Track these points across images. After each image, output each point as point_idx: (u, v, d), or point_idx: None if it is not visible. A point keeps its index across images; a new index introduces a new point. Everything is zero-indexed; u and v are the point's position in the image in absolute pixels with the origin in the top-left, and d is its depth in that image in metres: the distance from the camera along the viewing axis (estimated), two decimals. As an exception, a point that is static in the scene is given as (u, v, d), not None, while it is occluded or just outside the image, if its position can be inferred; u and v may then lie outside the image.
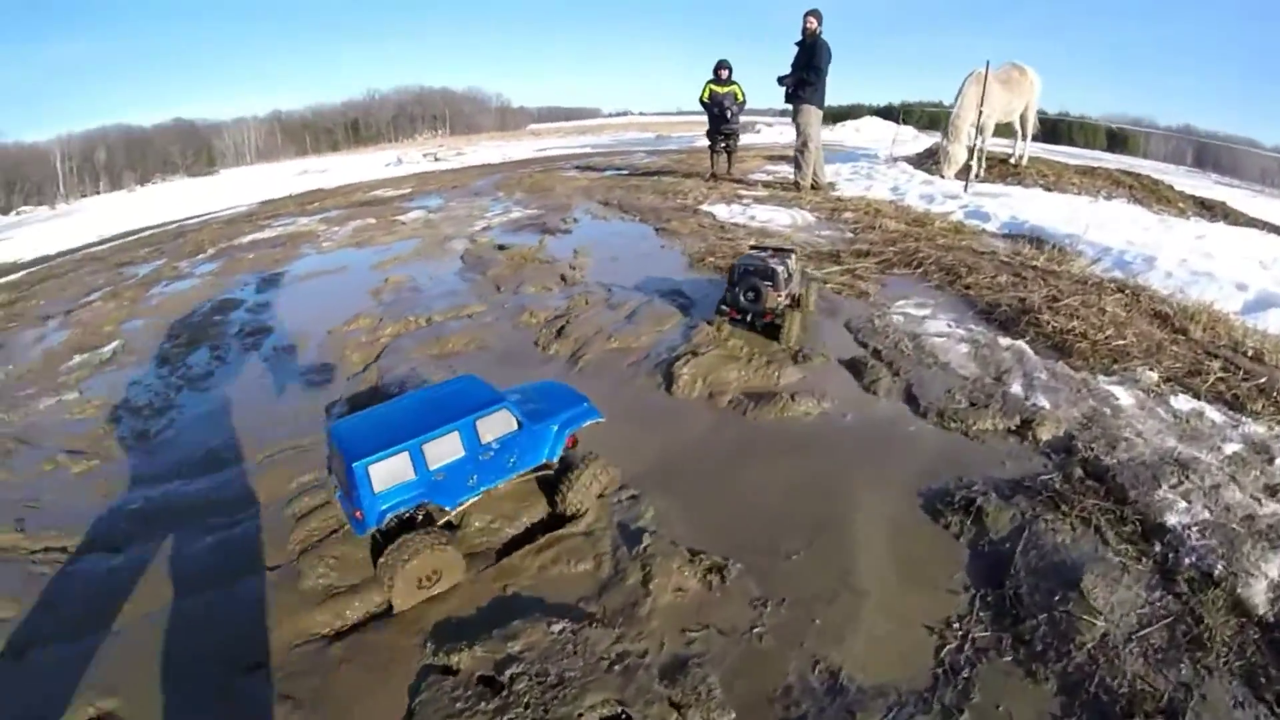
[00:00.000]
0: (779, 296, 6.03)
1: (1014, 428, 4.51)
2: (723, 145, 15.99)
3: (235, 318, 8.34)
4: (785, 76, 13.98)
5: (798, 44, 13.60)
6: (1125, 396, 4.70)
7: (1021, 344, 5.57)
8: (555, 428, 3.91)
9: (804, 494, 4.08)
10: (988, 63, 13.73)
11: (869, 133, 31.13)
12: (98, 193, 52.97)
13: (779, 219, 11.28)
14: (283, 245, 12.43)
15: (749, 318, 6.15)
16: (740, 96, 15.47)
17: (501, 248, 10.10)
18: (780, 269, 6.08)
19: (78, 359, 7.65)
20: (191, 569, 3.97)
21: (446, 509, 3.56)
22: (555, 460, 3.93)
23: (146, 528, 4.43)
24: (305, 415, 5.62)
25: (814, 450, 4.51)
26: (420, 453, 3.37)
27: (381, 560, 3.34)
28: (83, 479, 5.18)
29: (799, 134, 14.07)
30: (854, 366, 5.58)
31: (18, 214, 43.56)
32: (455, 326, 7.06)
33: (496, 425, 3.61)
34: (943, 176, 14.11)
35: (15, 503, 5.03)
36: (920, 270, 7.82)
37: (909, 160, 17.04)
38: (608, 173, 18.95)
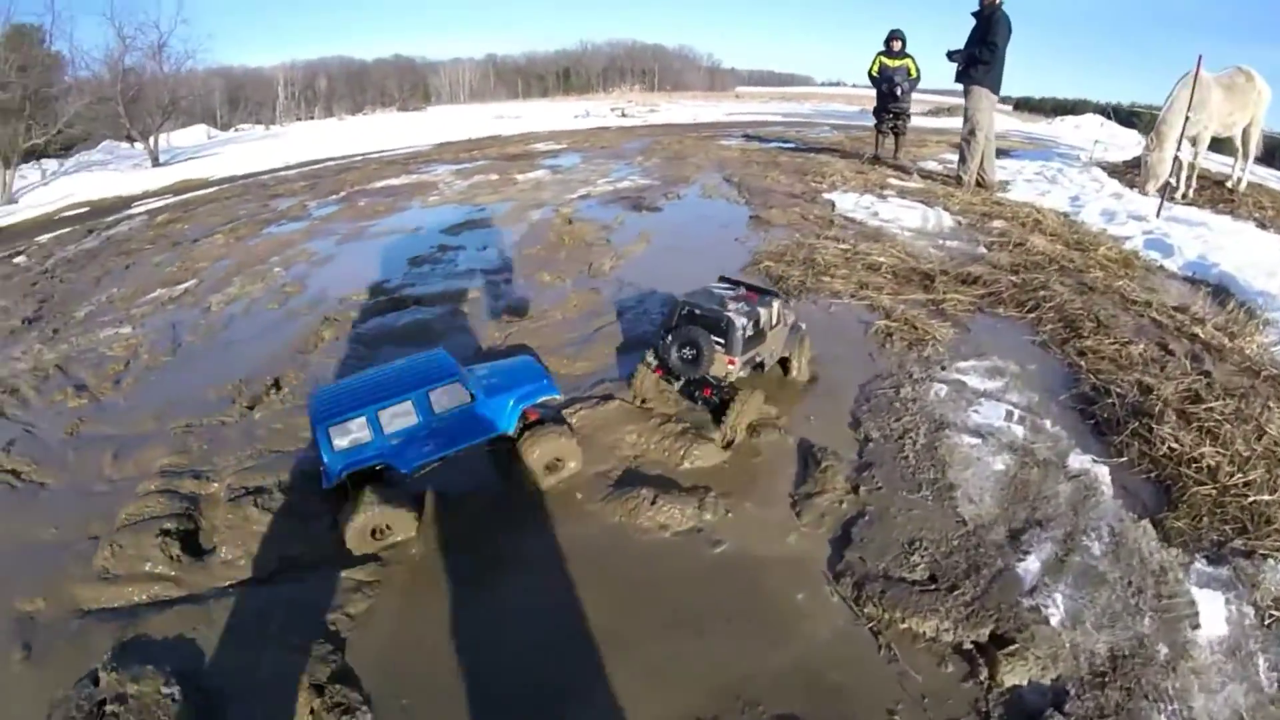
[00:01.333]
0: (731, 364, 4.17)
1: (970, 646, 2.73)
2: (890, 125, 14.11)
3: (289, 273, 8.39)
4: (955, 52, 11.92)
5: (974, 14, 11.47)
6: (1220, 620, 2.69)
7: (1102, 469, 3.62)
8: (511, 403, 4.07)
9: (541, 666, 2.76)
10: (1199, 59, 10.69)
11: (1088, 131, 26.70)
12: (311, 118, 58.98)
13: (907, 219, 9.67)
14: (396, 196, 12.66)
15: (682, 382, 4.44)
16: (914, 72, 13.46)
17: (570, 222, 9.50)
18: (740, 322, 4.14)
19: (156, 293, 8.12)
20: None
21: (402, 471, 3.80)
22: (513, 431, 4.05)
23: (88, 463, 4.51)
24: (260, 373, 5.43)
25: (613, 598, 3.06)
26: (376, 419, 3.73)
27: (340, 514, 3.65)
28: (69, 414, 5.38)
29: (966, 120, 12.01)
30: (806, 460, 4.00)
31: (236, 130, 49.72)
32: (411, 317, 6.56)
33: (449, 397, 3.86)
34: (1142, 192, 11.44)
35: (19, 424, 5.35)
36: (1033, 315, 6.11)
37: (1107, 167, 14.11)
38: (770, 145, 17.64)
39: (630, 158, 15.77)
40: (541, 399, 4.17)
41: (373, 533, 3.64)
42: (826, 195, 11.04)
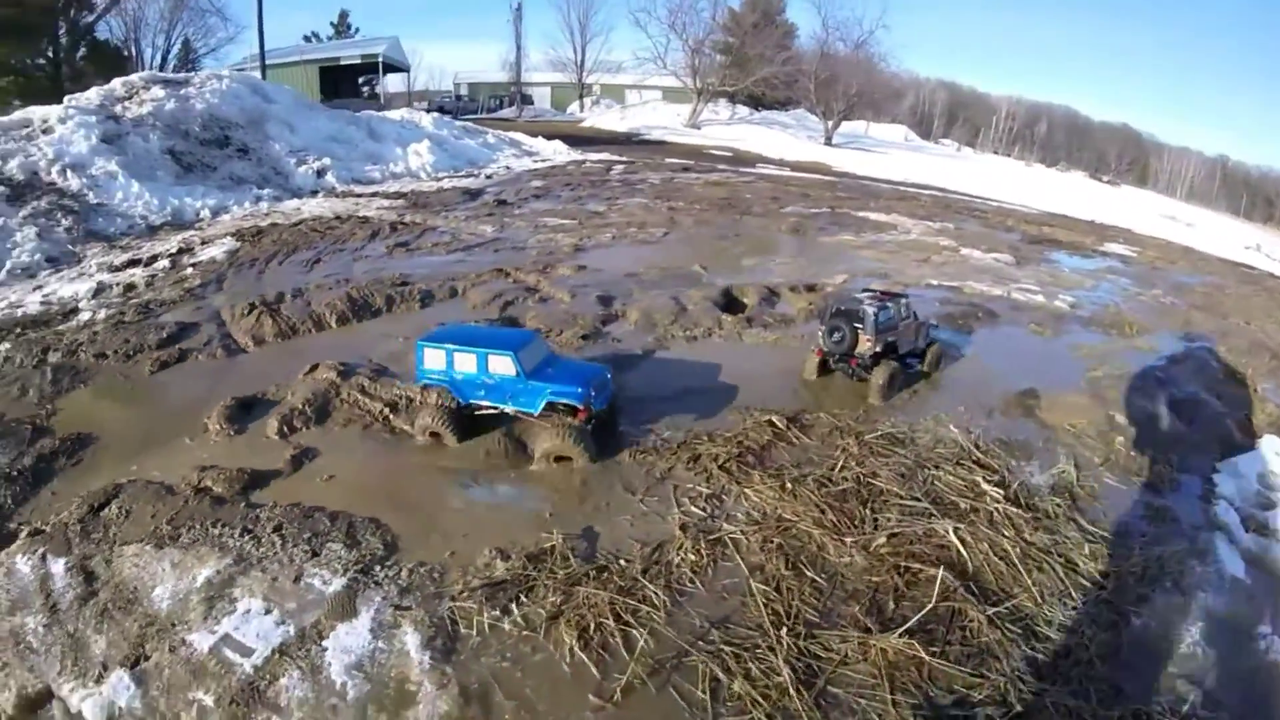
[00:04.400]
0: (868, 342, 7.25)
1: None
2: None
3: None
4: None
5: None
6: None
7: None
8: (547, 390, 6.10)
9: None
10: None
11: None
12: (1008, 155, 62.66)
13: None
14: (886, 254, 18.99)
15: (836, 358, 7.50)
16: None
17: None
18: (871, 310, 7.21)
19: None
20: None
21: (459, 400, 6.33)
22: (535, 414, 6.14)
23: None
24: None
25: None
26: (450, 356, 6.22)
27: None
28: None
29: None
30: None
31: (938, 143, 57.66)
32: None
33: (500, 365, 6.08)
34: None
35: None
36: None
37: None
38: None
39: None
40: (564, 400, 6.08)
41: (424, 430, 6.31)
42: None
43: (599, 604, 4.81)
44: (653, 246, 14.08)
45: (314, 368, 7.87)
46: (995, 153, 63.95)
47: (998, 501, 6.15)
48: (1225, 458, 7.81)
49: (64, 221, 13.44)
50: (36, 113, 16.67)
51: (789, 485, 6.15)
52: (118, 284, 11.01)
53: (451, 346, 6.21)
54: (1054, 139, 70.46)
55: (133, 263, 12.11)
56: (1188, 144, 72.62)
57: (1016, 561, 5.56)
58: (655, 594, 4.93)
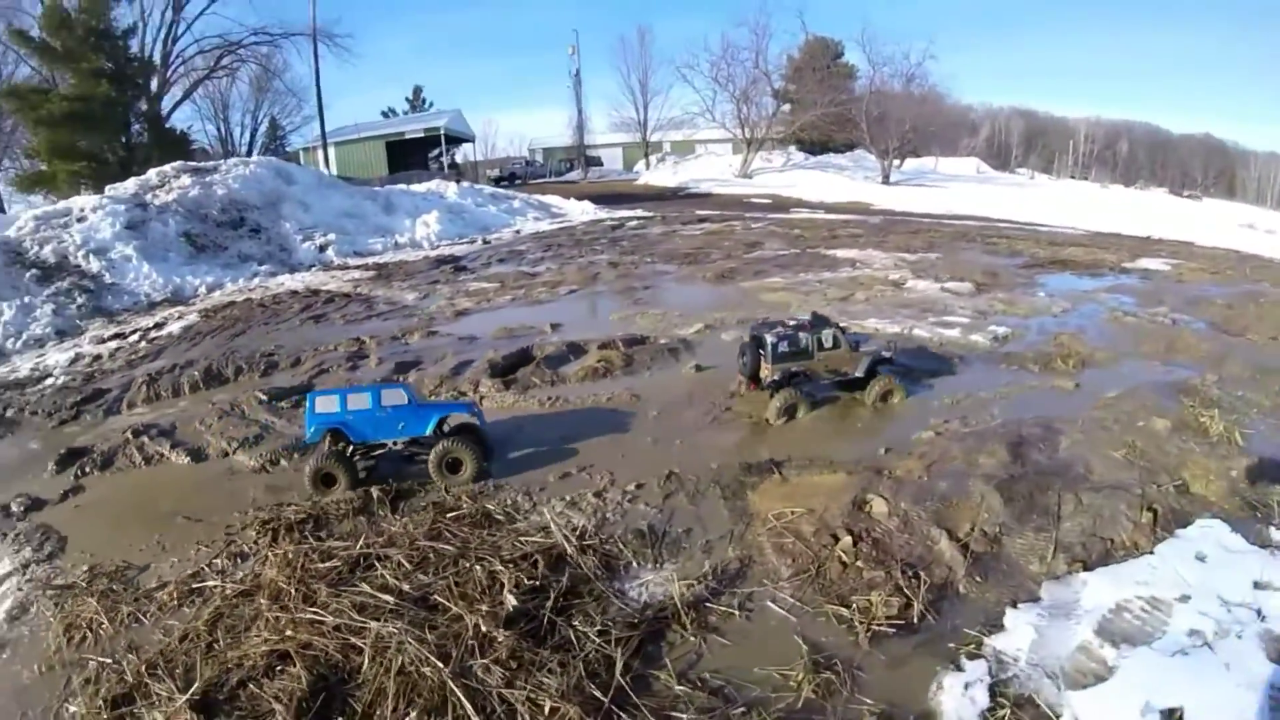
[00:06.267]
0: (767, 369, 7.89)
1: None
2: None
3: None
4: None
5: None
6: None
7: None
8: (435, 417, 7.17)
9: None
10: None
11: None
12: (1086, 179, 60.01)
13: None
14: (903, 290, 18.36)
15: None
16: None
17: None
18: (771, 340, 7.92)
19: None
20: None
21: (352, 440, 7.01)
22: (429, 434, 7.05)
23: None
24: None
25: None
26: (344, 398, 7.06)
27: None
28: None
29: None
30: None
31: (1014, 172, 55.70)
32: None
33: (393, 397, 7.13)
34: None
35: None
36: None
37: None
38: None
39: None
40: (456, 415, 7.22)
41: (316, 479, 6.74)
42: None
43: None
44: (540, 306, 14.03)
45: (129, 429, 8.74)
46: (1073, 177, 60.89)
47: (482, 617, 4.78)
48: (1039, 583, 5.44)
49: (79, 299, 15.17)
50: (76, 202, 19.02)
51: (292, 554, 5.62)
52: (91, 354, 12.24)
53: (345, 390, 7.20)
54: (1136, 158, 66.38)
55: (117, 335, 13.41)
56: (1276, 149, 66.53)
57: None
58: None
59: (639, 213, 30.82)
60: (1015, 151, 60.85)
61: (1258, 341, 11.45)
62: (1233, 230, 31.69)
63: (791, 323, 8.47)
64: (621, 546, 5.74)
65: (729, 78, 46.81)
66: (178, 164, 22.37)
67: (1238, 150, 68.58)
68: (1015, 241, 22.07)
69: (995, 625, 4.91)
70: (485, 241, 23.09)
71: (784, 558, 5.57)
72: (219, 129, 52.02)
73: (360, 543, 5.81)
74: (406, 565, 5.46)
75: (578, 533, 5.93)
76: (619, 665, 4.47)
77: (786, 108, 48.08)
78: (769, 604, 5.12)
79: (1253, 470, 6.83)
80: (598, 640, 4.67)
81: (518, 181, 46.84)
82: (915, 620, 4.94)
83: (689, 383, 9.33)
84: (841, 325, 8.78)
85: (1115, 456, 7.17)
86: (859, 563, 5.47)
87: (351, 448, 7.08)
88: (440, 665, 4.39)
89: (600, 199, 35.27)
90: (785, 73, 48.74)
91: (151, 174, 21.24)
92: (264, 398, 9.25)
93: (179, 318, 14.40)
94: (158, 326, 13.86)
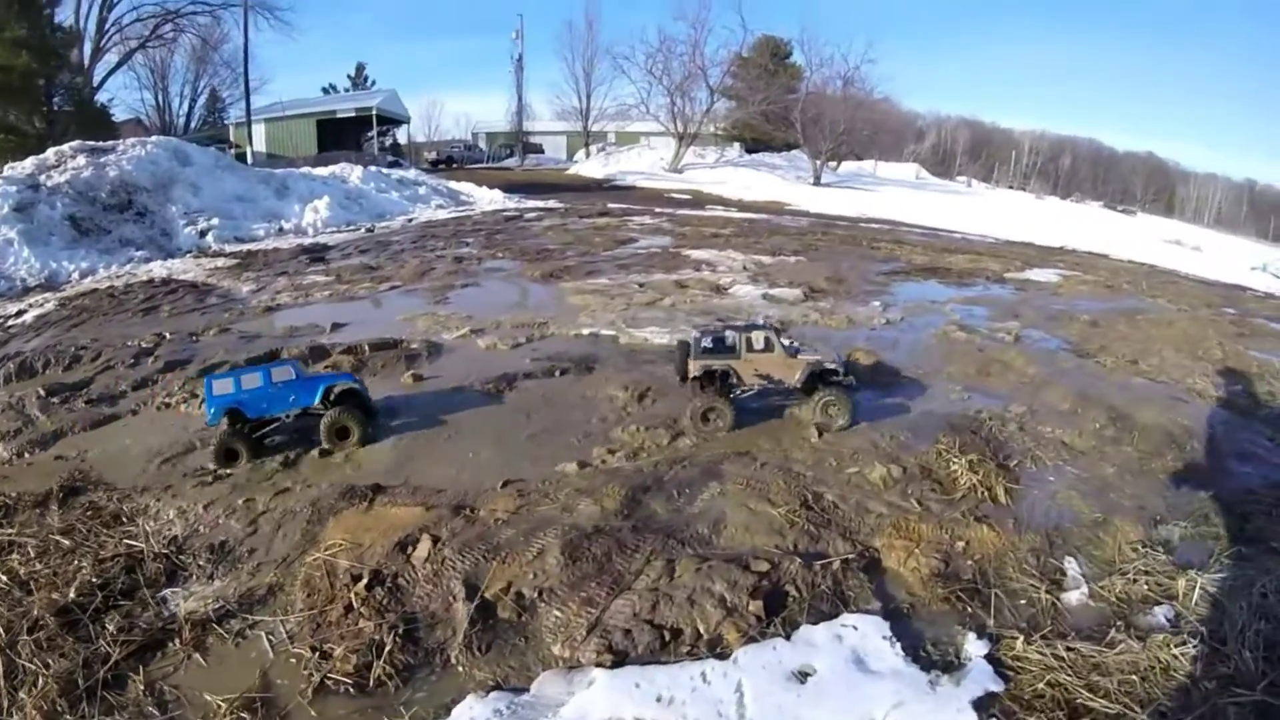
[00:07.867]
0: (690, 366, 7.71)
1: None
2: None
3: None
4: None
5: None
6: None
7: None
8: (321, 386, 7.78)
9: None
10: None
11: None
12: (1022, 189, 61.76)
13: None
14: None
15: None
16: None
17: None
18: (694, 337, 7.97)
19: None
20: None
21: (249, 417, 7.47)
22: (318, 404, 7.64)
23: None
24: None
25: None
26: (238, 379, 7.58)
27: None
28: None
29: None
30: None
31: (957, 179, 57.32)
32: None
33: (281, 373, 7.74)
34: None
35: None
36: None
37: None
38: None
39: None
40: (340, 384, 7.77)
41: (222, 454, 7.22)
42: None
43: None
44: (348, 304, 14.13)
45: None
46: (1010, 187, 62.63)
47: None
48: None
49: (-48, 284, 15.75)
50: (-32, 183, 19.89)
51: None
52: (-56, 342, 12.41)
53: (238, 371, 7.99)
54: (1078, 172, 67.97)
55: (-21, 322, 13.74)
56: (1214, 170, 68.85)
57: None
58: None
59: (549, 204, 31.20)
60: (959, 160, 62.26)
61: (1107, 365, 10.62)
62: (1156, 245, 32.86)
63: (739, 322, 8.55)
64: (194, 558, 6.06)
65: (665, 71, 47.67)
66: (75, 144, 22.32)
67: (1179, 170, 69.97)
68: (904, 247, 22.37)
69: (447, 712, 4.43)
70: (369, 230, 23.38)
71: (305, 591, 5.56)
72: (157, 100, 52.31)
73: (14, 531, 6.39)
74: (32, 553, 6.10)
75: (167, 540, 6.28)
76: (110, 663, 4.89)
77: (727, 105, 49.22)
78: (265, 636, 5.15)
79: (995, 545, 5.68)
80: (111, 637, 5.12)
81: (455, 165, 47.54)
82: (371, 684, 4.65)
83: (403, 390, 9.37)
84: (777, 326, 8.80)
85: (771, 514, 6.12)
86: (362, 608, 5.24)
87: (249, 425, 7.62)
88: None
89: (520, 188, 35.58)
90: (729, 69, 49.70)
91: (50, 153, 21.19)
92: (43, 393, 9.49)
93: (40, 305, 14.54)
94: (18, 315, 13.98)
